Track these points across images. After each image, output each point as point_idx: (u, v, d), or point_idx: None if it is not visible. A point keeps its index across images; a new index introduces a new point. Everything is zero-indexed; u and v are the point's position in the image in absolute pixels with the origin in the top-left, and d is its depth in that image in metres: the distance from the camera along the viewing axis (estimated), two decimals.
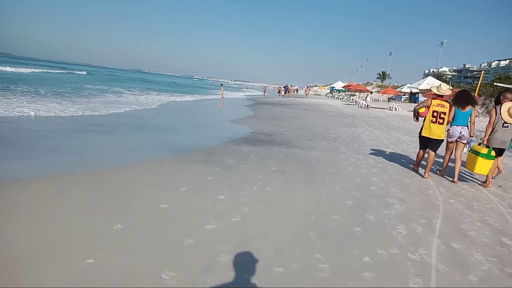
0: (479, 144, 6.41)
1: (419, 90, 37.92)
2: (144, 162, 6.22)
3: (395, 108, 30.75)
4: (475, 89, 16.55)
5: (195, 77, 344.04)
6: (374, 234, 3.72)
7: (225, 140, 9.29)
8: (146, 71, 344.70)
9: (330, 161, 7.44)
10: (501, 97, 6.25)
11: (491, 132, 6.14)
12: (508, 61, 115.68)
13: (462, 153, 6.52)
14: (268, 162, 6.90)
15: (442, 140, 6.60)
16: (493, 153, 6.00)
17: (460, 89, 7.45)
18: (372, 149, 9.35)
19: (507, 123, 6.00)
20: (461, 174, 7.18)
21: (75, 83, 32.94)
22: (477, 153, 6.09)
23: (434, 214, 4.49)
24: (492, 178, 6.56)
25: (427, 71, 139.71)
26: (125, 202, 4.19)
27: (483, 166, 6.00)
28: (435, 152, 6.63)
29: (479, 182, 6.63)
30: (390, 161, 7.98)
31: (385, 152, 9.14)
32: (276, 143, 9.18)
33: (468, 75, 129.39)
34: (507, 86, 15.11)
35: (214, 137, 9.91)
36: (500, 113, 6.02)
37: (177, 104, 21.92)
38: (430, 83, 30.70)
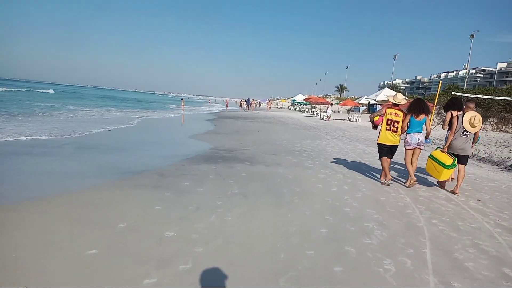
0: (437, 149, 6.62)
1: (377, 101, 39.00)
2: (78, 191, 5.19)
3: (355, 119, 31.13)
4: (433, 99, 16.82)
5: (156, 92, 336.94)
6: (359, 275, 3.02)
7: (182, 158, 8.38)
8: (104, 87, 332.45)
9: (297, 178, 6.76)
10: (464, 107, 6.52)
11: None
12: (455, 72, 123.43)
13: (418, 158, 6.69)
14: (229, 183, 6.10)
15: (397, 145, 6.73)
16: (455, 162, 6.18)
17: (415, 98, 7.58)
18: (339, 163, 8.82)
19: (467, 131, 6.22)
20: (421, 176, 6.78)
21: (51, 102, 30.62)
22: (442, 165, 6.16)
23: (420, 241, 3.88)
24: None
25: (381, 83, 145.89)
26: (41, 249, 3.21)
27: (447, 175, 6.27)
28: (391, 158, 6.81)
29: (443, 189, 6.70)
30: (359, 175, 7.44)
31: (353, 165, 8.64)
32: (238, 160, 8.40)
33: (420, 86, 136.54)
34: (464, 95, 15.39)
35: (170, 155, 8.96)
36: (462, 122, 6.22)
37: (133, 121, 20.59)
38: (387, 94, 31.55)
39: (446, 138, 6.74)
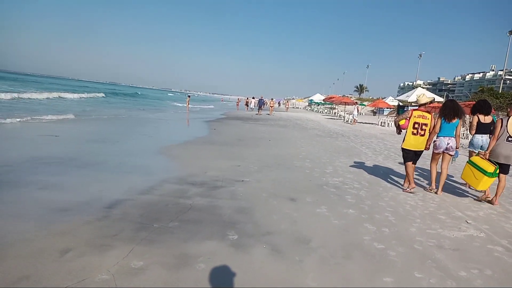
0: (477, 154, 5.86)
1: (409, 102, 33.89)
2: None
3: (388, 123, 26.10)
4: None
5: (173, 90, 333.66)
6: None
7: (93, 217, 3.80)
8: (122, 84, 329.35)
9: None
10: (509, 109, 5.80)
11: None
12: (481, 74, 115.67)
13: (448, 165, 6.00)
14: None
15: (422, 150, 6.15)
16: (497, 170, 5.42)
17: (448, 100, 6.85)
18: (440, 238, 4.08)
19: (511, 137, 5.40)
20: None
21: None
22: (483, 172, 5.39)
23: None
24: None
25: (402, 84, 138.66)
26: None
27: (487, 184, 5.48)
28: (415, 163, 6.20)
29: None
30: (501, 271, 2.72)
31: (476, 247, 3.90)
32: (216, 222, 3.79)
33: (443, 88, 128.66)
34: None
35: (73, 207, 4.25)
36: (506, 126, 5.42)
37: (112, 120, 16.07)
38: (419, 94, 26.48)
39: (471, 143, 6.40)
